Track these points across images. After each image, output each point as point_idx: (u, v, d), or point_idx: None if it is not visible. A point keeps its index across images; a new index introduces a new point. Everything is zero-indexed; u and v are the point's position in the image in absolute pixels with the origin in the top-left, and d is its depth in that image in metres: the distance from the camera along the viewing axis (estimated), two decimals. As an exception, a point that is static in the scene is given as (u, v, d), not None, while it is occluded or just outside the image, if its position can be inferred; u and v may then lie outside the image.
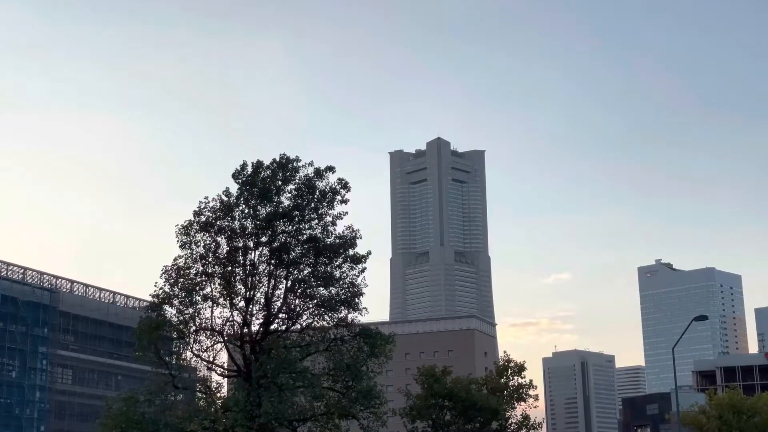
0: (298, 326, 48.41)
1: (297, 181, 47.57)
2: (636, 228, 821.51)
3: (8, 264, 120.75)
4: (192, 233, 47.25)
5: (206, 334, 47.69)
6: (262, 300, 47.34)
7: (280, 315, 47.69)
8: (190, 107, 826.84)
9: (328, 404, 47.37)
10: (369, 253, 48.30)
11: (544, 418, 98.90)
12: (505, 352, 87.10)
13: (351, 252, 47.91)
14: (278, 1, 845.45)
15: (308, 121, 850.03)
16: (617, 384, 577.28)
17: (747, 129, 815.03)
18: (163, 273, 46.98)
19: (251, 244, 47.23)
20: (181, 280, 46.87)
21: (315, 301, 47.70)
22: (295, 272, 47.47)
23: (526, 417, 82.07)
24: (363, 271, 48.19)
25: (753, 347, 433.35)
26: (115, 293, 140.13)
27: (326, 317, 47.96)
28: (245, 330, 47.72)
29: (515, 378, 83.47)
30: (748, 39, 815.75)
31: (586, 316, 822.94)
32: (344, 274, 47.82)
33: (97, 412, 69.38)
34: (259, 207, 47.05)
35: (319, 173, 47.72)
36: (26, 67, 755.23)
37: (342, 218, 48.04)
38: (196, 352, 47.82)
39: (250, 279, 47.15)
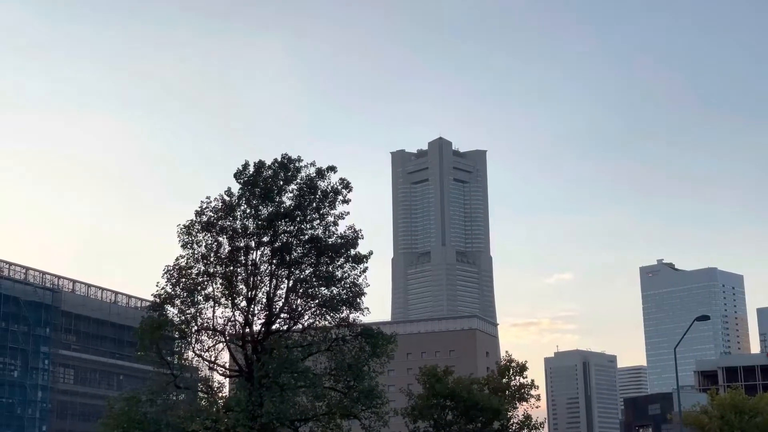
0: (300, 326, 48.42)
1: (299, 181, 47.58)
2: (638, 228, 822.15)
3: (10, 264, 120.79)
4: (194, 233, 47.29)
5: (208, 334, 47.73)
6: (264, 300, 47.36)
7: (282, 315, 47.71)
8: (190, 107, 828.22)
9: (329, 404, 47.36)
10: (371, 252, 48.34)
11: (546, 418, 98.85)
12: (506, 352, 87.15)
13: (352, 252, 47.93)
14: (278, 1, 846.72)
15: (309, 121, 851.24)
16: (619, 384, 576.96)
17: (748, 129, 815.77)
18: (165, 273, 47.01)
19: (253, 243, 47.25)
20: (183, 280, 46.90)
21: (317, 301, 47.71)
22: (297, 272, 47.48)
23: (527, 417, 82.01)
24: (365, 271, 48.25)
25: (755, 347, 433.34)
26: (117, 293, 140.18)
27: (328, 317, 47.97)
28: (247, 330, 47.73)
29: (517, 378, 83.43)
30: (748, 39, 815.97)
31: (587, 316, 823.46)
32: (346, 274, 47.85)
33: (99, 411, 69.40)
34: (260, 207, 47.07)
35: (320, 173, 47.74)
36: (26, 67, 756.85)
37: (344, 218, 48.13)
38: (197, 352, 47.85)
39: (251, 279, 47.17)
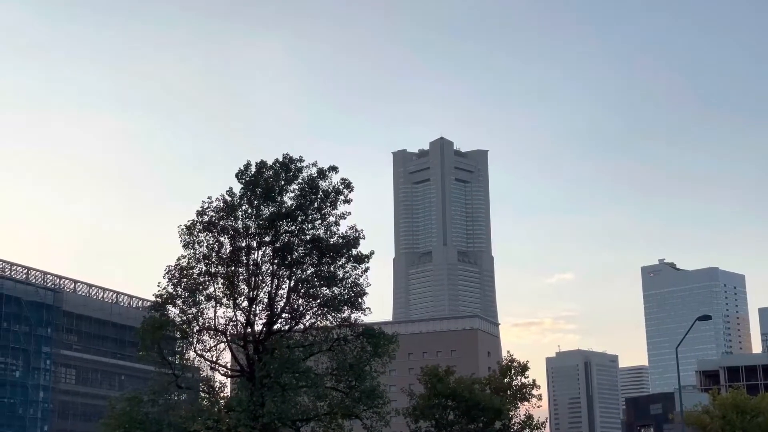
0: (302, 326, 48.45)
1: (300, 181, 47.63)
2: (639, 228, 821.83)
3: (12, 264, 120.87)
4: (195, 233, 47.32)
5: (209, 334, 47.75)
6: (265, 300, 47.37)
7: (284, 315, 47.73)
8: (190, 107, 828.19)
9: (331, 404, 47.35)
10: (372, 252, 48.36)
11: (547, 417, 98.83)
12: (508, 351, 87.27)
13: (354, 252, 47.97)
14: (278, 1, 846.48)
15: (310, 121, 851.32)
16: (620, 384, 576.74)
17: (748, 128, 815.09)
18: (167, 273, 47.05)
19: (254, 243, 47.28)
20: (185, 280, 46.92)
21: (318, 300, 47.73)
22: (298, 272, 47.49)
23: (529, 417, 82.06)
24: (366, 270, 48.29)
25: (756, 347, 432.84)
26: (118, 293, 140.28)
27: (329, 317, 48.00)
28: (248, 330, 47.74)
29: (518, 378, 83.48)
30: (748, 39, 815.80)
31: (589, 315, 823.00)
32: (347, 274, 47.87)
33: (101, 412, 69.43)
34: (262, 207, 47.10)
35: (322, 173, 47.77)
36: (26, 67, 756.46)
37: (345, 218, 48.17)
38: (199, 352, 47.89)
39: (253, 279, 47.19)
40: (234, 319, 47.60)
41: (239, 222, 47.32)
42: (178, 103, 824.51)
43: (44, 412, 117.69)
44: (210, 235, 47.35)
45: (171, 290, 46.98)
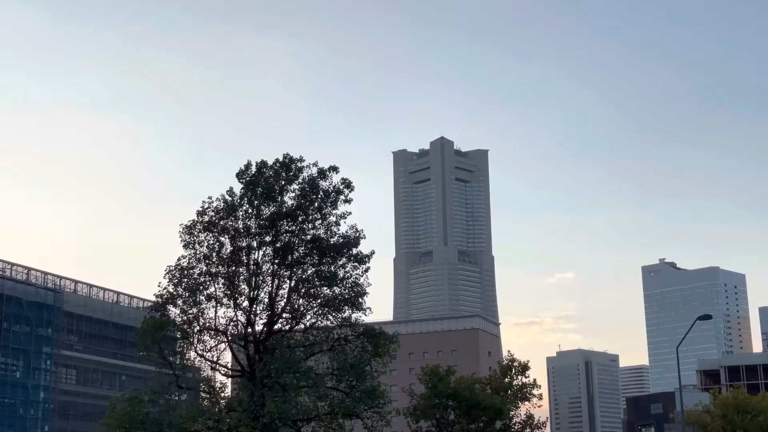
0: (302, 326, 48.44)
1: (300, 180, 47.62)
2: (640, 227, 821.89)
3: (12, 264, 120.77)
4: (196, 233, 47.30)
5: (210, 334, 47.72)
6: (266, 300, 47.35)
7: (284, 315, 47.71)
8: (190, 107, 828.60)
9: (332, 404, 47.28)
10: (372, 252, 48.37)
11: (548, 417, 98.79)
12: (508, 351, 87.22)
13: (354, 251, 47.97)
14: (279, 2, 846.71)
15: (311, 121, 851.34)
16: (621, 383, 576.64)
17: (749, 128, 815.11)
18: (167, 273, 47.03)
19: (255, 243, 47.25)
20: (185, 280, 46.89)
21: (319, 300, 47.73)
22: (299, 272, 47.48)
23: (529, 416, 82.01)
24: (366, 270, 48.29)
25: (757, 346, 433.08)
26: (119, 293, 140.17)
27: (330, 317, 47.98)
28: (249, 330, 47.72)
29: (519, 377, 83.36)
30: (748, 39, 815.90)
31: (589, 315, 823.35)
32: (348, 274, 47.87)
33: (101, 412, 69.32)
34: (262, 207, 47.09)
35: (322, 173, 47.76)
36: (26, 67, 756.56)
37: (345, 218, 48.18)
38: (200, 352, 47.85)
39: (253, 279, 47.16)
40: (235, 319, 47.61)
41: (240, 222, 47.31)
42: (178, 103, 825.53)
43: (45, 413, 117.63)
44: (210, 235, 47.33)
45: (171, 290, 46.96)
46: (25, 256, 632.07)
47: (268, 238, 47.04)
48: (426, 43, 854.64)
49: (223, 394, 48.84)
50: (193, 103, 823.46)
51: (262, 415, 43.88)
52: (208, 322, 47.43)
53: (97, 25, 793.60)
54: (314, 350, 48.36)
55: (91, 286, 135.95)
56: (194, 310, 47.19)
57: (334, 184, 47.85)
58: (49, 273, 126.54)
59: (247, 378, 46.75)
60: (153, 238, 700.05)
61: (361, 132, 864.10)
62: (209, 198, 47.50)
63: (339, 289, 47.66)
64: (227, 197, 47.43)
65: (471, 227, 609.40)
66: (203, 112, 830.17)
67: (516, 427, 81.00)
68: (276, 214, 46.69)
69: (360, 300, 47.83)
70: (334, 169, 48.05)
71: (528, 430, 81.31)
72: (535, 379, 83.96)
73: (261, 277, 47.26)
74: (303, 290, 47.55)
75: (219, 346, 48.03)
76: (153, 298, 48.53)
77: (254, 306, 47.32)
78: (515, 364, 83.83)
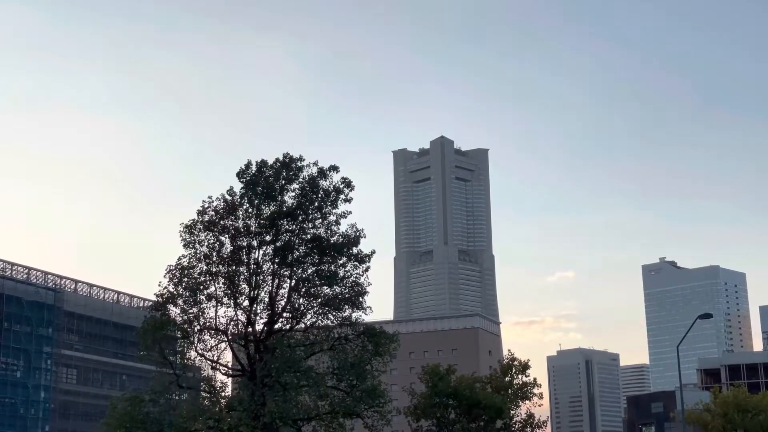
0: (303, 325, 48.41)
1: (301, 180, 47.59)
2: (640, 226, 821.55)
3: (12, 264, 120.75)
4: (196, 232, 47.29)
5: (210, 334, 47.71)
6: (266, 299, 47.34)
7: (284, 314, 47.70)
8: (190, 107, 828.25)
9: (332, 403, 47.26)
10: (373, 252, 48.37)
11: (549, 416, 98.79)
12: (509, 350, 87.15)
13: (355, 251, 47.95)
14: (279, 2, 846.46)
15: (310, 121, 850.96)
16: (622, 382, 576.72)
17: (749, 127, 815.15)
18: (167, 272, 47.02)
19: (255, 243, 47.24)
20: (186, 279, 46.89)
21: (319, 300, 47.72)
22: (299, 271, 47.47)
23: (530, 415, 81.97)
24: (367, 269, 48.28)
25: (758, 345, 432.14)
26: (119, 293, 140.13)
27: (330, 316, 47.97)
28: (249, 329, 47.71)
29: (519, 376, 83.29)
30: (748, 39, 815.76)
31: (590, 314, 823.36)
32: (348, 273, 47.87)
33: (102, 411, 69.30)
34: (262, 206, 47.08)
35: (322, 172, 47.74)
36: (26, 67, 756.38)
37: (346, 217, 48.15)
38: (200, 352, 47.85)
39: (254, 278, 47.15)
40: (235, 318, 47.61)
41: (240, 221, 47.31)
42: (178, 103, 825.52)
43: (45, 412, 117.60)
44: (211, 234, 47.32)
45: (172, 290, 46.96)
46: (25, 256, 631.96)
47: (268, 238, 47.02)
48: (426, 42, 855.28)
49: (223, 394, 48.83)
50: (193, 103, 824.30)
51: (262, 414, 43.88)
52: (209, 322, 47.44)
53: (97, 25, 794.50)
54: (315, 349, 48.34)
55: (91, 285, 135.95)
56: (194, 309, 47.20)
57: (334, 183, 47.85)
58: (50, 273, 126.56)
59: (248, 377, 46.74)
60: (153, 238, 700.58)
61: (361, 131, 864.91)
62: (209, 197, 47.56)
63: (339, 289, 47.66)
64: (227, 197, 47.42)
65: (471, 226, 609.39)
66: (203, 112, 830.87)
67: (516, 426, 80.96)
68: (276, 214, 46.68)
69: (360, 299, 47.85)
70: (334, 168, 48.04)
71: (528, 429, 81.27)
72: (535, 378, 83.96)
73: (261, 277, 47.25)
74: (303, 289, 47.55)
75: (219, 346, 48.05)
76: (153, 298, 48.53)
77: (254, 305, 47.32)
78: (516, 363, 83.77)
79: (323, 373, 47.70)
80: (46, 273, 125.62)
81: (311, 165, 47.83)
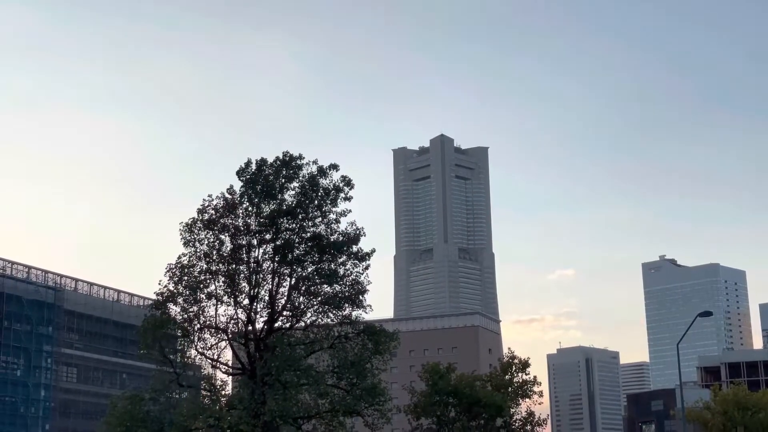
0: (303, 324, 48.40)
1: (300, 178, 47.56)
2: (640, 224, 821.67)
3: (12, 263, 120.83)
4: (196, 231, 47.27)
5: (210, 332, 47.70)
6: (266, 297, 47.32)
7: (285, 312, 47.69)
8: (190, 107, 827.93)
9: (332, 402, 47.24)
10: (373, 250, 48.30)
11: (549, 414, 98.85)
12: (509, 348, 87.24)
13: (355, 249, 47.92)
14: (279, 1, 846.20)
15: (310, 119, 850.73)
16: (622, 380, 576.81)
17: (749, 126, 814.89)
18: (167, 271, 47.00)
19: (255, 241, 47.22)
20: (186, 278, 46.87)
21: (319, 298, 47.69)
22: (299, 270, 47.44)
23: (530, 413, 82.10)
24: (367, 268, 48.25)
25: (758, 343, 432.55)
26: (119, 291, 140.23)
27: (330, 315, 47.96)
28: (249, 328, 47.70)
29: (519, 374, 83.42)
30: (748, 39, 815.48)
31: (590, 312, 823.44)
32: (348, 272, 47.84)
33: (102, 410, 69.33)
34: (262, 204, 47.06)
35: (322, 171, 47.70)
36: (26, 66, 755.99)
37: (346, 215, 48.10)
38: (200, 350, 47.82)
39: (254, 277, 47.13)
40: (235, 317, 47.58)
41: (240, 220, 47.29)
42: (178, 103, 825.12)
43: (45, 411, 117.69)
44: (211, 233, 47.30)
45: (172, 288, 46.96)
46: (25, 255, 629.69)
47: (268, 236, 47.01)
48: (426, 41, 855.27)
49: (223, 392, 48.82)
50: (193, 103, 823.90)
51: (262, 412, 43.90)
52: (209, 320, 47.44)
53: (97, 25, 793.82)
54: (315, 348, 48.33)
55: (91, 284, 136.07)
56: (195, 308, 47.19)
57: (334, 181, 47.79)
58: (50, 271, 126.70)
59: (248, 376, 46.75)
60: (153, 237, 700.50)
61: (361, 130, 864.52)
62: (209, 196, 47.50)
63: (339, 287, 47.63)
64: (227, 195, 47.42)
65: (471, 224, 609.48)
66: (203, 112, 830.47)
67: (516, 424, 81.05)
68: (276, 212, 46.68)
69: (360, 297, 47.83)
70: (334, 166, 47.99)
71: (529, 427, 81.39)
72: (535, 376, 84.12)
73: (261, 275, 47.23)
74: (303, 288, 47.54)
75: (219, 344, 48.02)
76: (153, 296, 48.52)
77: (255, 304, 47.31)
78: (516, 361, 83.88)
79: (323, 372, 47.69)
80: (47, 272, 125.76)
81: (311, 163, 47.84)
